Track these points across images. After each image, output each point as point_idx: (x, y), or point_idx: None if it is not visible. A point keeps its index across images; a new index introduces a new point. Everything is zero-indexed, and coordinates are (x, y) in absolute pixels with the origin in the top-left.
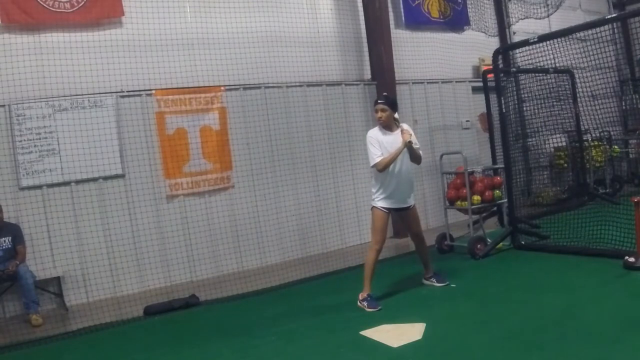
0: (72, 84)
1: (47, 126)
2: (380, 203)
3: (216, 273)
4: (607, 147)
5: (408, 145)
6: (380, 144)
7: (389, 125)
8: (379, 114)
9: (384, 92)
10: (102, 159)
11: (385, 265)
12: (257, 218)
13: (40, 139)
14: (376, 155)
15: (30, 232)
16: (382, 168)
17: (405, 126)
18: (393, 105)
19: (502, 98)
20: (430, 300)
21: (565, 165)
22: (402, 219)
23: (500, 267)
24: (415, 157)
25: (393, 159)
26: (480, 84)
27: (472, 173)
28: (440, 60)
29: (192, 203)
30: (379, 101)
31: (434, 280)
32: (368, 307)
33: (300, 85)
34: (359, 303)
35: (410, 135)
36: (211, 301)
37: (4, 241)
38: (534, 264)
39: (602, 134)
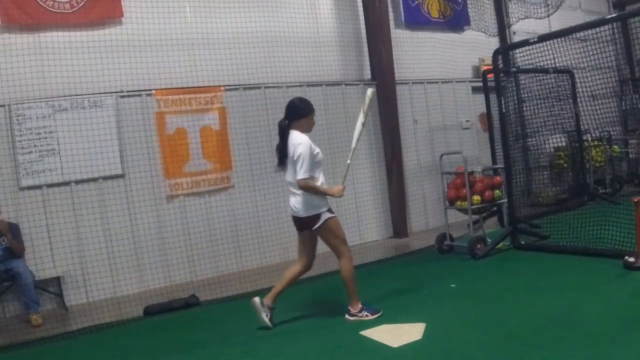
0: (72, 84)
1: (47, 126)
2: (328, 209)
3: (216, 273)
4: (607, 147)
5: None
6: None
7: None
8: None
9: (300, 97)
10: (102, 159)
11: (385, 265)
12: (257, 218)
13: (40, 139)
14: (307, 170)
15: (30, 232)
16: (304, 188)
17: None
18: None
19: (502, 98)
20: (430, 300)
21: (565, 165)
22: (306, 240)
23: (500, 267)
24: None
25: (316, 192)
26: (480, 84)
27: (472, 173)
28: (440, 60)
29: (192, 203)
30: (313, 110)
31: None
32: (372, 315)
33: (300, 85)
34: (357, 317)
35: None
36: (211, 301)
37: (3, 240)
38: (534, 264)
39: (602, 134)
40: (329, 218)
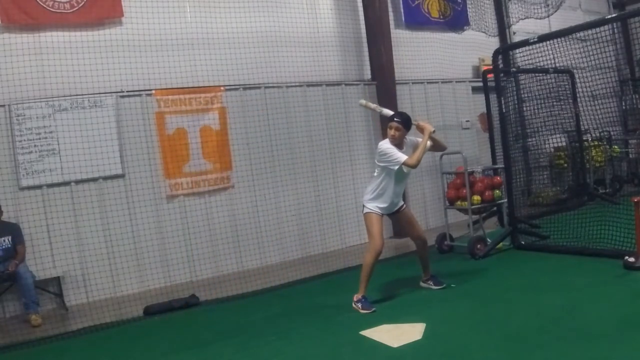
0: (72, 84)
1: (47, 126)
2: (374, 207)
3: (216, 273)
4: (607, 147)
5: (434, 134)
6: None
7: (399, 144)
8: (393, 132)
9: (400, 111)
10: (102, 159)
11: (385, 265)
12: (257, 218)
13: (40, 139)
14: (400, 156)
15: (30, 232)
16: (417, 163)
17: (415, 139)
18: (407, 124)
19: (502, 98)
20: (430, 301)
21: (565, 165)
22: (398, 222)
23: (500, 267)
24: (441, 146)
25: (424, 152)
26: (480, 84)
27: (472, 173)
28: (440, 60)
29: (192, 203)
30: (395, 119)
31: (432, 283)
32: (362, 309)
33: (300, 85)
34: (353, 304)
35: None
36: (211, 301)
37: (4, 241)
38: (534, 264)
39: (602, 134)
40: (365, 212)
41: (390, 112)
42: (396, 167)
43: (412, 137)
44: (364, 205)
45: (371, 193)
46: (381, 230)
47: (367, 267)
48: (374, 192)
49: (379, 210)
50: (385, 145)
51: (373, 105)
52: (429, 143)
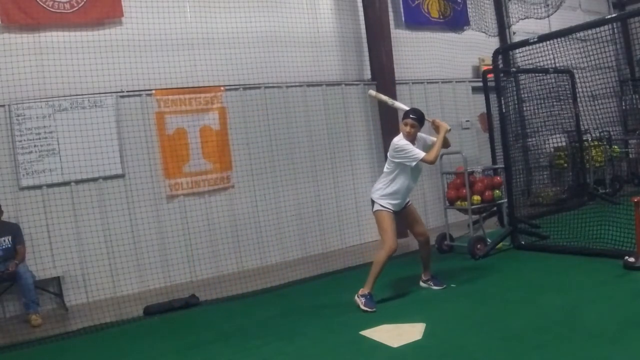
0: (72, 84)
1: (47, 126)
2: (387, 204)
3: (216, 273)
4: (607, 147)
5: (448, 131)
6: None
7: (412, 140)
8: (409, 129)
9: (414, 108)
10: (102, 159)
11: (385, 265)
12: (257, 218)
13: (40, 139)
14: (418, 152)
15: (30, 232)
16: (435, 159)
17: (425, 135)
18: (421, 121)
19: (502, 98)
20: (430, 301)
21: (565, 165)
22: (403, 219)
23: (500, 267)
24: (447, 144)
25: (440, 147)
26: (480, 84)
27: (472, 173)
28: (440, 60)
29: (192, 203)
30: (411, 116)
31: (432, 283)
32: (364, 305)
33: (300, 85)
34: (356, 297)
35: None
36: (211, 301)
37: (4, 241)
38: (534, 264)
39: (602, 134)
40: (377, 210)
41: (403, 106)
42: (414, 164)
43: (421, 133)
44: (374, 202)
45: (383, 189)
46: (394, 225)
47: (379, 265)
48: (387, 188)
49: (391, 207)
50: (402, 141)
51: (384, 97)
52: None
